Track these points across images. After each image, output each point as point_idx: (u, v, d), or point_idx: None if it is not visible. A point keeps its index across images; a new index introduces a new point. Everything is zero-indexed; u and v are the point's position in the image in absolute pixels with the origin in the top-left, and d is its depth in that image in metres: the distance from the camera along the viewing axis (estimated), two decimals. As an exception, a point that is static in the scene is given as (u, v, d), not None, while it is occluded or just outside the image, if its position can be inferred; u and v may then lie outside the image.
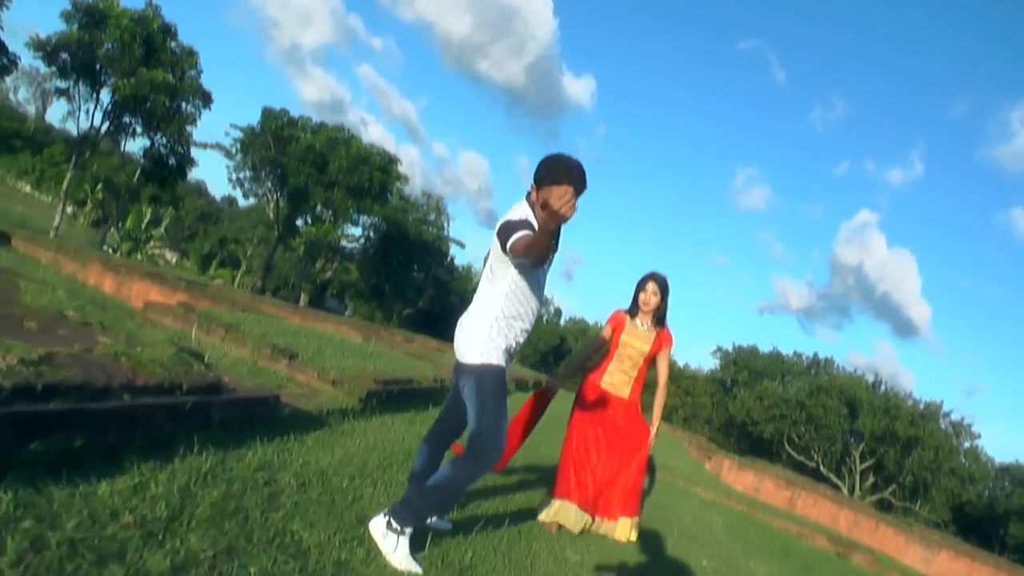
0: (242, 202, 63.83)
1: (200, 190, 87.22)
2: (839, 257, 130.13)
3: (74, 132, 31.48)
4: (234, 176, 43.72)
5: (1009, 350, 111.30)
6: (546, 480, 5.82)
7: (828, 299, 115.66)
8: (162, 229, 37.69)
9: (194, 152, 33.36)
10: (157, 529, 2.48)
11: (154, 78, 27.78)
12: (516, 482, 5.56)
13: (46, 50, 27.35)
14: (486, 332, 3.23)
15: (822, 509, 18.13)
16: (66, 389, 2.79)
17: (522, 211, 3.23)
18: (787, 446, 48.68)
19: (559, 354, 66.33)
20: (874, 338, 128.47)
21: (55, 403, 2.68)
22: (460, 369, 3.31)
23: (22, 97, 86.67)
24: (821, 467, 47.03)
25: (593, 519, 5.05)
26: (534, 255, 2.90)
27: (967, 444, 47.86)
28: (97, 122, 29.94)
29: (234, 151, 42.35)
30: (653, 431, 5.22)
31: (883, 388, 51.21)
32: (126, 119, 29.97)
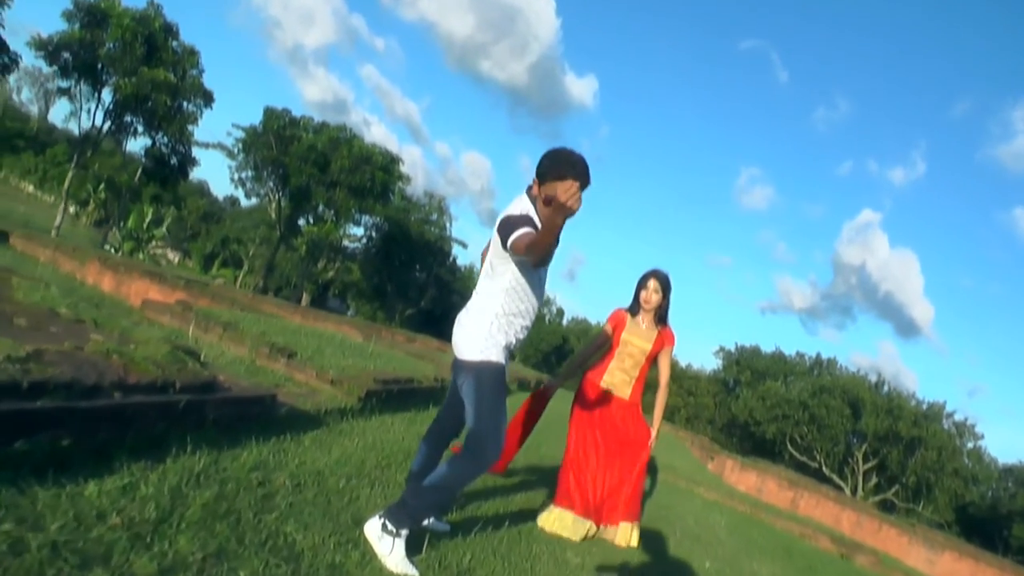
0: (244, 202, 63.95)
1: (202, 190, 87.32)
2: (842, 257, 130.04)
3: (76, 132, 31.45)
4: (236, 176, 43.69)
5: (1012, 350, 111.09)
6: (547, 481, 5.75)
7: (831, 299, 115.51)
8: (164, 229, 37.65)
9: (196, 152, 33.35)
10: (145, 531, 2.41)
11: (155, 77, 27.74)
12: (517, 483, 5.49)
13: (47, 49, 27.31)
14: (486, 329, 3.16)
15: (825, 510, 18.04)
16: (54, 387, 2.72)
17: (523, 206, 3.16)
18: (790, 446, 48.58)
19: (561, 354, 66.23)
20: (877, 338, 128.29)
21: (42, 401, 2.62)
22: (458, 366, 3.24)
23: (25, 97, 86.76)
24: (824, 467, 46.92)
25: (597, 526, 4.93)
26: (538, 254, 2.80)
27: (970, 445, 47.76)
28: (98, 121, 29.96)
29: (236, 151, 42.30)
30: (654, 433, 5.09)
31: (886, 388, 51.15)
32: (127, 118, 29.91)
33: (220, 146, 41.90)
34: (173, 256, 65.31)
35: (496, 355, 3.14)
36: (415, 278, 55.47)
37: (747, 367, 58.02)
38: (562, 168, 3.02)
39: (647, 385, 5.22)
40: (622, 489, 4.96)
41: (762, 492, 19.05)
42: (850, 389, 48.61)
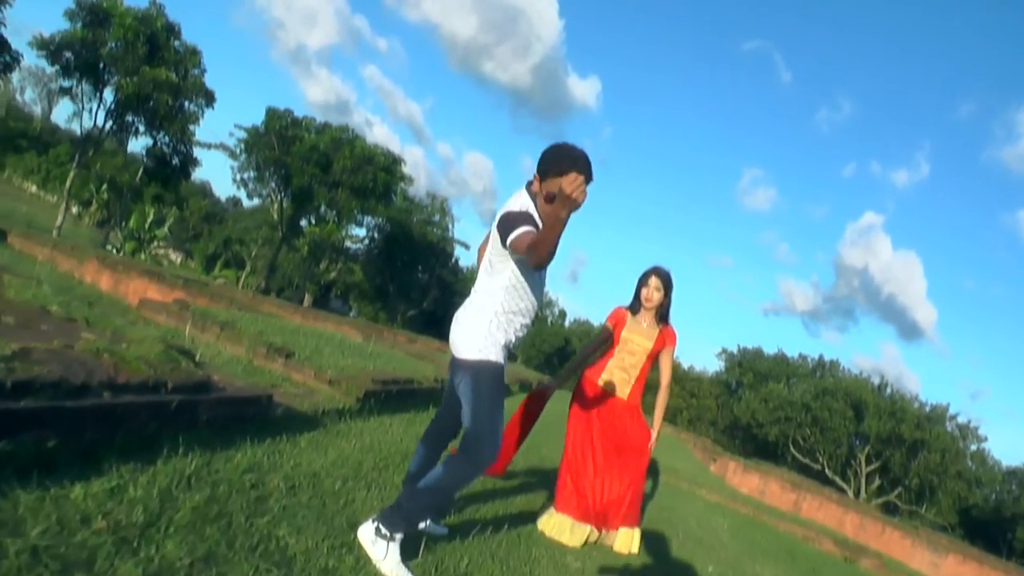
0: (246, 203, 63.94)
1: (205, 191, 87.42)
2: (844, 259, 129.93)
3: (79, 132, 31.43)
4: (238, 177, 43.70)
5: (1015, 353, 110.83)
6: (547, 483, 5.67)
7: (833, 301, 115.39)
8: (166, 229, 37.58)
9: (198, 152, 33.32)
10: (132, 535, 2.34)
11: (157, 76, 27.72)
12: (516, 485, 5.41)
13: (49, 49, 27.29)
14: (485, 327, 3.09)
15: (828, 512, 17.96)
16: (40, 386, 2.65)
17: (522, 201, 3.09)
18: (792, 448, 48.50)
19: (563, 355, 66.15)
20: (879, 340, 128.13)
21: (26, 401, 2.54)
22: (456, 365, 3.17)
23: (28, 97, 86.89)
24: (826, 470, 46.83)
25: (599, 532, 4.80)
26: (540, 254, 2.68)
27: (973, 447, 47.65)
28: (100, 121, 29.93)
29: (238, 151, 42.30)
30: (654, 435, 4.95)
31: (889, 391, 51.01)
32: (129, 118, 29.89)
33: (222, 146, 41.93)
34: (175, 257, 65.30)
35: (495, 354, 3.06)
36: (417, 279, 55.45)
37: (749, 369, 57.95)
38: (564, 163, 2.94)
39: (647, 387, 5.08)
40: (622, 494, 4.81)
41: (765, 494, 18.98)
42: (853, 391, 48.53)
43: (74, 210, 58.54)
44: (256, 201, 50.86)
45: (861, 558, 11.64)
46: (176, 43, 29.89)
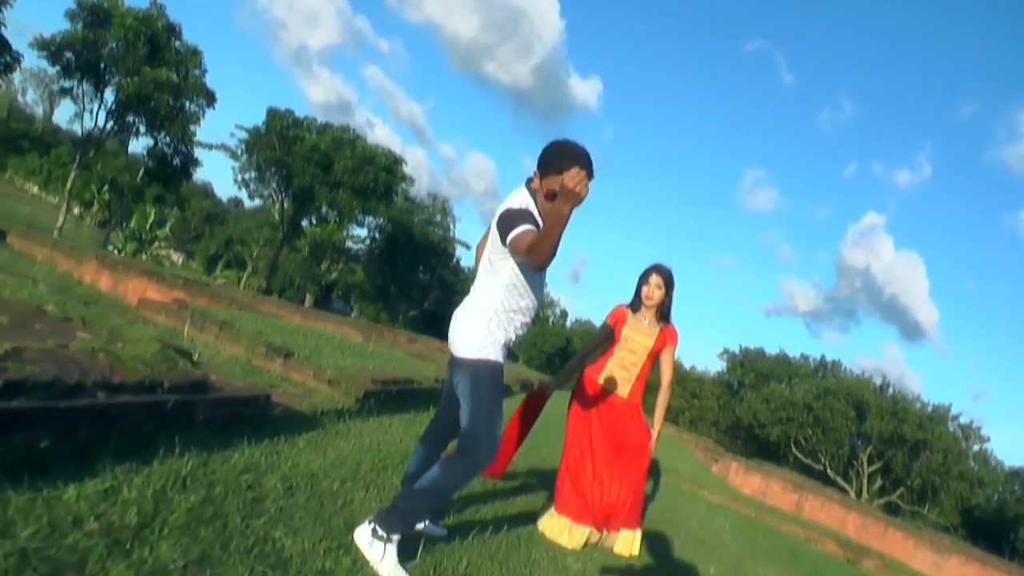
0: (248, 203, 63.96)
1: (206, 191, 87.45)
2: (846, 259, 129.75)
3: (80, 133, 31.41)
4: (240, 177, 43.67)
5: (1017, 353, 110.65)
6: (548, 483, 5.62)
7: (835, 301, 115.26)
8: (167, 229, 37.58)
9: (199, 153, 33.34)
10: (125, 537, 2.30)
11: (158, 77, 27.70)
12: (516, 485, 5.36)
13: (50, 49, 27.28)
14: (484, 326, 3.05)
15: (830, 512, 17.92)
16: (33, 386, 2.61)
17: (522, 198, 3.05)
18: (794, 449, 48.43)
19: (565, 355, 66.10)
20: (881, 341, 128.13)
21: (18, 401, 2.51)
22: (455, 364, 3.13)
23: (30, 99, 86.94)
24: (828, 470, 46.76)
25: (599, 532, 4.72)
26: (541, 254, 2.64)
27: (976, 447, 47.57)
28: (101, 122, 29.92)
29: (239, 152, 42.28)
30: (655, 435, 4.86)
31: (891, 391, 50.92)
32: (130, 118, 29.87)
33: (223, 147, 41.93)
34: (177, 257, 65.35)
35: (495, 353, 3.03)
36: (418, 279, 55.44)
37: (751, 369, 57.88)
38: (565, 159, 2.90)
39: (648, 387, 5.02)
40: (623, 496, 4.73)
41: (767, 495, 18.94)
42: (855, 391, 48.46)
43: (76, 211, 58.61)
44: (257, 202, 50.92)
45: (864, 559, 11.60)
46: (177, 43, 29.87)
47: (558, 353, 66.26)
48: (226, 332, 6.31)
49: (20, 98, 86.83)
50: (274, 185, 43.55)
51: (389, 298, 55.00)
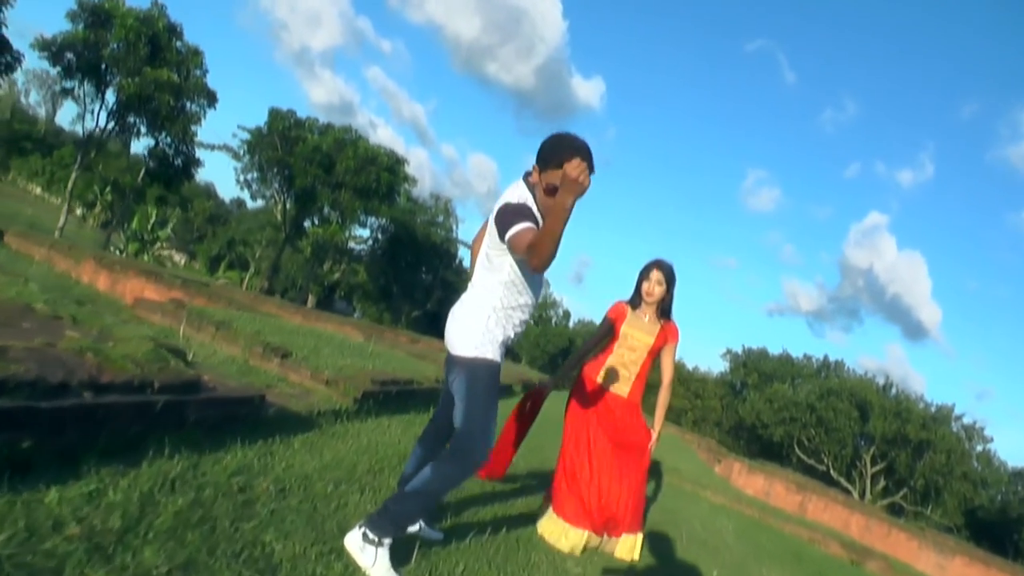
0: (250, 204, 63.91)
1: (209, 192, 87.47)
2: (849, 259, 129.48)
3: (81, 133, 31.37)
4: (242, 178, 43.61)
5: (1020, 353, 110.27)
6: (548, 485, 5.54)
7: (838, 301, 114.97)
8: (169, 230, 37.59)
9: (201, 153, 33.31)
10: (107, 542, 2.23)
11: (159, 77, 27.65)
12: (515, 487, 5.26)
13: (51, 50, 27.24)
14: (482, 323, 2.98)
15: (833, 513, 17.83)
16: (16, 385, 2.54)
17: (520, 193, 2.98)
18: (797, 449, 48.28)
19: (567, 356, 65.93)
20: (884, 341, 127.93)
21: (0, 400, 2.44)
22: (452, 362, 3.05)
23: (33, 100, 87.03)
24: (831, 471, 46.61)
25: (600, 537, 4.58)
26: (543, 253, 2.56)
27: (979, 448, 47.35)
28: (102, 122, 29.90)
29: (241, 152, 42.24)
30: (655, 435, 4.73)
31: (894, 391, 50.74)
32: (131, 119, 29.84)
33: (225, 148, 41.87)
34: (179, 258, 65.37)
35: (492, 352, 2.95)
36: (421, 280, 55.38)
37: (754, 369, 57.72)
38: (566, 152, 2.81)
39: (648, 386, 4.88)
40: (622, 498, 4.58)
41: (770, 495, 18.85)
42: (858, 392, 48.28)
43: (78, 212, 58.67)
44: (260, 202, 50.86)
45: (868, 561, 11.51)
46: (178, 44, 29.81)
47: (561, 354, 66.11)
48: (223, 332, 6.24)
49: (23, 99, 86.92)
50: (276, 186, 43.50)
51: (392, 299, 54.94)
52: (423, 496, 2.92)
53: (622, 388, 4.76)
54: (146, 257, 34.27)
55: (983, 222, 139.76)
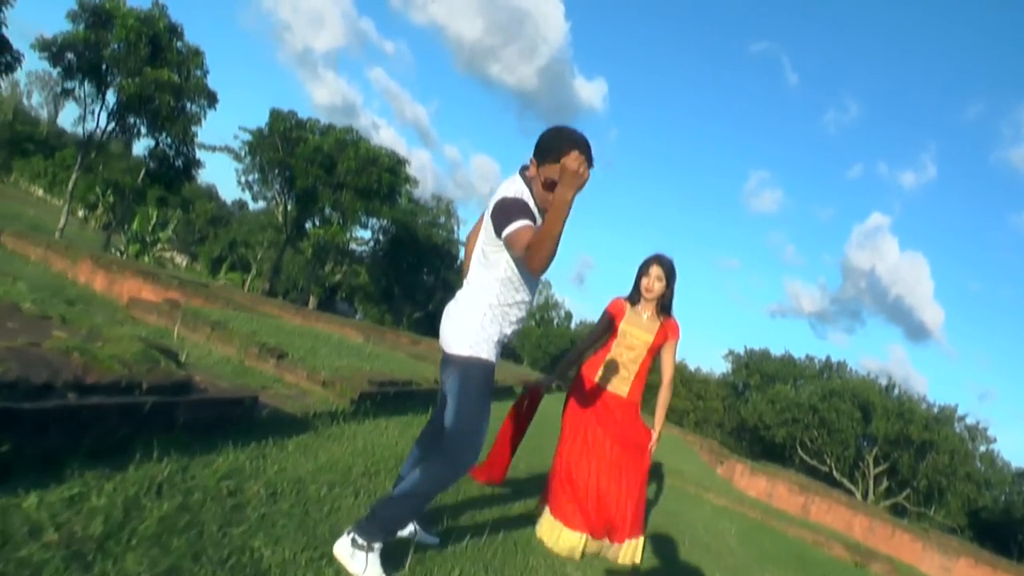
0: (252, 206, 63.90)
1: (211, 194, 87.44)
2: (851, 260, 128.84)
3: (82, 134, 31.32)
4: (243, 179, 43.54)
5: (1023, 354, 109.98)
6: (545, 486, 5.47)
7: (840, 302, 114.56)
8: (170, 231, 37.48)
9: (203, 155, 33.15)
10: (87, 549, 2.15)
11: (159, 77, 27.58)
12: (515, 489, 5.16)
13: (51, 50, 27.17)
14: (478, 321, 2.90)
15: (837, 515, 17.76)
16: (-5, 387, 2.47)
17: (516, 187, 2.90)
18: (800, 450, 48.18)
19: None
20: (886, 342, 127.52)
21: (-23, 402, 2.36)
22: (445, 361, 2.97)
23: (35, 102, 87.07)
24: (834, 471, 46.49)
25: (599, 541, 4.43)
26: (542, 254, 2.50)
27: (983, 448, 47.23)
28: (103, 123, 29.86)
29: (243, 154, 42.17)
30: (655, 435, 4.58)
31: (896, 392, 50.65)
32: (131, 119, 29.79)
33: (227, 149, 41.78)
34: (181, 260, 65.31)
35: (487, 352, 2.87)
36: (423, 281, 55.29)
37: (756, 370, 57.65)
38: (564, 146, 2.75)
39: (649, 387, 4.71)
40: (621, 501, 4.43)
41: (772, 497, 18.78)
42: (860, 392, 48.17)
43: (80, 214, 58.63)
44: (261, 204, 50.80)
45: (872, 563, 11.41)
46: (179, 44, 29.75)
47: (562, 355, 66.02)
48: (218, 332, 6.16)
49: (25, 101, 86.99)
50: (277, 187, 43.42)
51: (393, 300, 54.87)
52: (412, 499, 2.85)
53: (621, 387, 4.61)
54: (147, 259, 34.17)
55: (986, 223, 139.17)
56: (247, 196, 47.52)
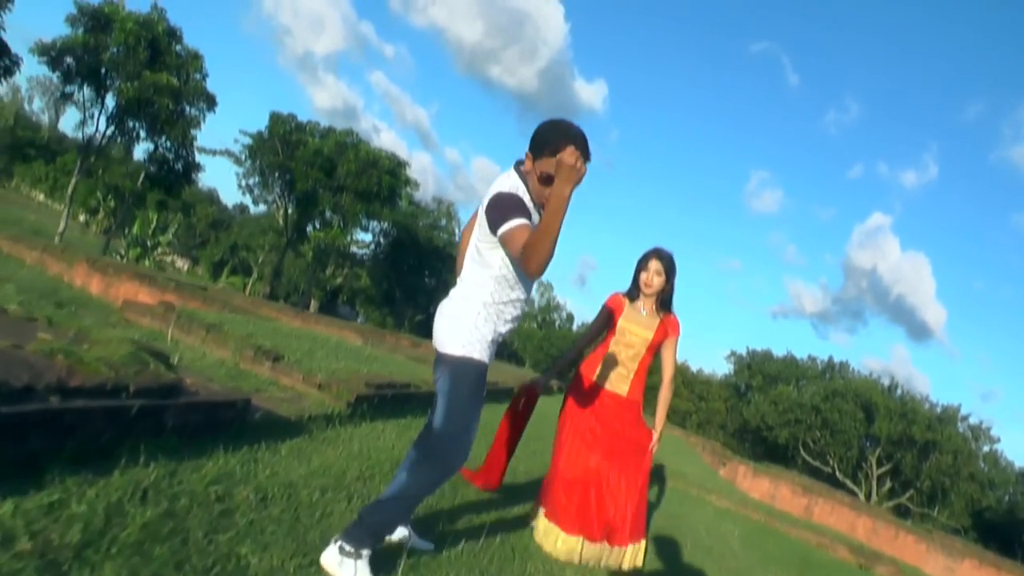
0: (253, 209, 63.90)
1: (212, 198, 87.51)
2: (853, 260, 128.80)
3: (82, 139, 31.30)
4: (243, 183, 43.54)
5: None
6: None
7: (842, 303, 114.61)
8: (170, 235, 37.49)
9: (203, 159, 33.21)
10: (63, 558, 2.06)
11: (158, 81, 27.56)
12: (512, 493, 5.05)
13: (51, 55, 27.15)
14: (471, 320, 2.81)
15: (840, 516, 17.68)
16: (-28, 390, 2.39)
17: (512, 182, 2.82)
18: (802, 451, 48.10)
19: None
20: (888, 342, 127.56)
21: (-49, 406, 2.28)
22: (437, 359, 2.89)
23: (36, 107, 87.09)
24: (837, 472, 46.41)
25: (599, 544, 4.24)
26: (539, 258, 2.43)
27: (986, 448, 47.16)
28: (102, 127, 29.84)
29: (243, 157, 42.17)
30: (656, 435, 4.45)
31: (899, 392, 50.58)
32: (130, 123, 29.76)
33: (227, 153, 41.77)
34: (182, 264, 65.32)
35: (479, 352, 2.79)
36: (424, 284, 55.26)
37: (758, 371, 57.60)
38: (561, 140, 2.68)
39: (649, 388, 4.60)
40: (621, 504, 4.28)
41: (775, 498, 18.69)
42: (863, 393, 48.10)
43: (82, 218, 58.66)
44: (262, 207, 50.79)
45: (876, 565, 11.32)
46: (178, 47, 29.74)
47: (568, 361, 65.90)
48: (213, 335, 6.08)
49: (27, 106, 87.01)
50: (277, 190, 43.43)
51: (395, 303, 54.85)
52: (400, 502, 2.77)
53: (620, 386, 4.48)
54: (148, 263, 34.17)
55: (987, 222, 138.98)
56: (248, 200, 47.62)
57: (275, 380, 5.57)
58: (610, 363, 4.49)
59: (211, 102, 30.75)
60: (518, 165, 2.88)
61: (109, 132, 30.17)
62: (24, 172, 74.98)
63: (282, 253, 47.89)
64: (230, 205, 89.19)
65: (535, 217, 2.76)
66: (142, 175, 33.32)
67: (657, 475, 9.36)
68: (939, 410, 46.65)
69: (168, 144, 30.88)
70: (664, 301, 4.43)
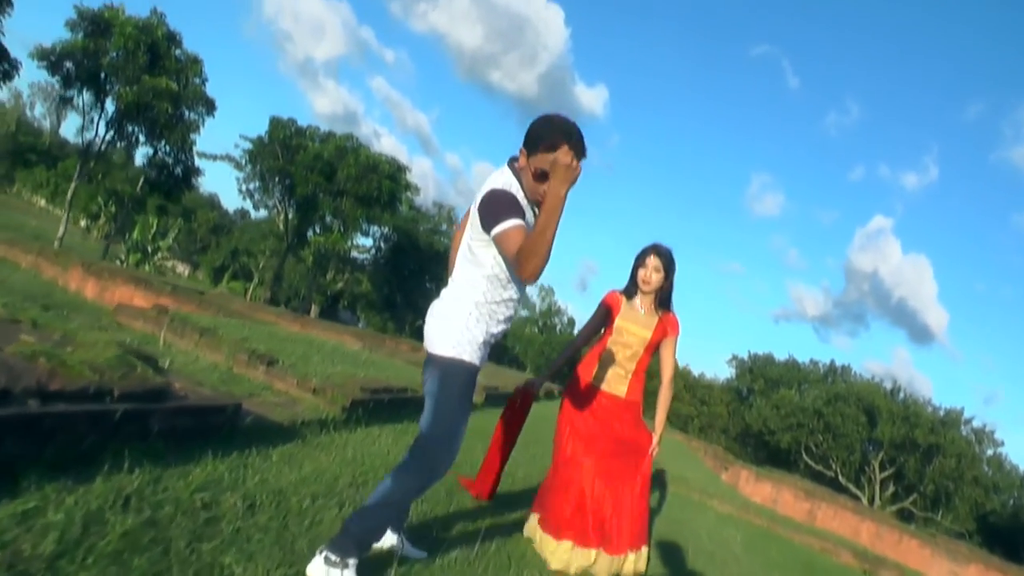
0: (254, 214, 63.82)
1: (213, 203, 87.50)
2: (854, 263, 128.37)
3: (81, 143, 31.26)
4: (244, 187, 43.51)
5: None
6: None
7: (843, 306, 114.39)
8: (170, 240, 37.43)
9: (204, 164, 33.10)
10: (35, 569, 1.97)
11: (157, 85, 27.52)
12: (509, 499, 4.94)
13: (50, 59, 27.13)
14: (463, 320, 2.73)
15: (843, 521, 17.54)
16: (-56, 394, 2.31)
17: (505, 179, 2.74)
18: (805, 456, 47.93)
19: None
20: (890, 345, 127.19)
21: (-79, 411, 2.20)
22: (428, 361, 2.81)
23: (38, 112, 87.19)
24: (840, 477, 46.23)
25: (596, 550, 4.06)
26: (536, 261, 2.35)
27: (990, 452, 46.99)
28: (102, 132, 29.81)
29: (243, 162, 42.14)
30: (656, 438, 4.29)
31: (901, 395, 50.41)
32: (129, 127, 29.74)
33: (228, 158, 41.74)
34: (182, 269, 65.29)
35: (470, 354, 2.70)
36: (425, 289, 55.16)
37: (760, 375, 57.46)
38: (556, 136, 2.61)
39: (649, 391, 4.42)
40: (620, 508, 4.13)
41: (778, 503, 18.58)
42: (865, 396, 47.93)
43: (82, 224, 58.64)
44: (262, 212, 50.75)
45: (880, 570, 11.21)
46: (177, 52, 29.71)
47: (565, 360, 65.80)
48: (207, 339, 6.00)
49: (28, 112, 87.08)
50: (278, 195, 43.40)
51: (395, 308, 54.77)
52: (385, 508, 2.68)
53: (619, 387, 4.33)
54: (148, 268, 34.12)
55: (989, 224, 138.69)
56: (248, 205, 47.55)
57: (269, 385, 5.49)
58: (607, 363, 4.34)
59: (210, 106, 30.72)
60: (512, 161, 2.80)
61: (109, 137, 30.13)
62: (25, 178, 75.07)
63: (283, 258, 47.83)
64: (231, 210, 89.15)
65: (529, 215, 2.69)
66: (142, 180, 33.28)
67: (658, 480, 9.26)
68: (942, 413, 46.47)
69: (167, 148, 30.86)
70: (663, 299, 4.28)
